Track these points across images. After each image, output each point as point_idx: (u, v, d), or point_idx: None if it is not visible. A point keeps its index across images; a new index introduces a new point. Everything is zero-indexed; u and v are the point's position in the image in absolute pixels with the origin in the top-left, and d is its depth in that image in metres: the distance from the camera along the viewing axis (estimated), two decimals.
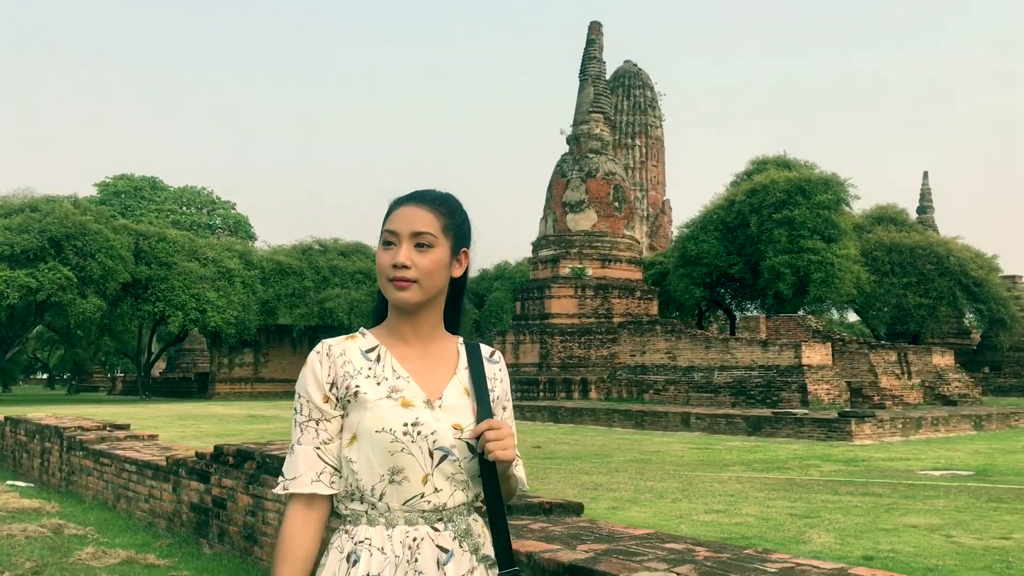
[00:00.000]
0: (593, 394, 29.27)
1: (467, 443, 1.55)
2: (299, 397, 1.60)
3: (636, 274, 39.05)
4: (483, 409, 1.59)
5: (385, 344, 1.62)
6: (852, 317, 54.59)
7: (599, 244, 38.03)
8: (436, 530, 1.54)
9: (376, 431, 1.51)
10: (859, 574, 3.48)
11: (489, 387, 1.65)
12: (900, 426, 16.82)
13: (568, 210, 38.48)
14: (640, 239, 68.34)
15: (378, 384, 1.56)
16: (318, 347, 1.61)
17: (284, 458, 5.69)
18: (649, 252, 59.77)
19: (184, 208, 58.59)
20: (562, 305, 36.76)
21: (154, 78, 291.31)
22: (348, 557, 1.52)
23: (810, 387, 19.57)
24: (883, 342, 26.83)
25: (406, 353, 1.62)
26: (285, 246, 46.42)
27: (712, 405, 20.89)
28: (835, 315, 55.34)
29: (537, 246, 39.78)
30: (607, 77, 72.94)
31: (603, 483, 10.20)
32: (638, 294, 38.02)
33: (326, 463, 1.56)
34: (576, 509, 4.92)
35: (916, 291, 39.22)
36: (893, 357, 22.92)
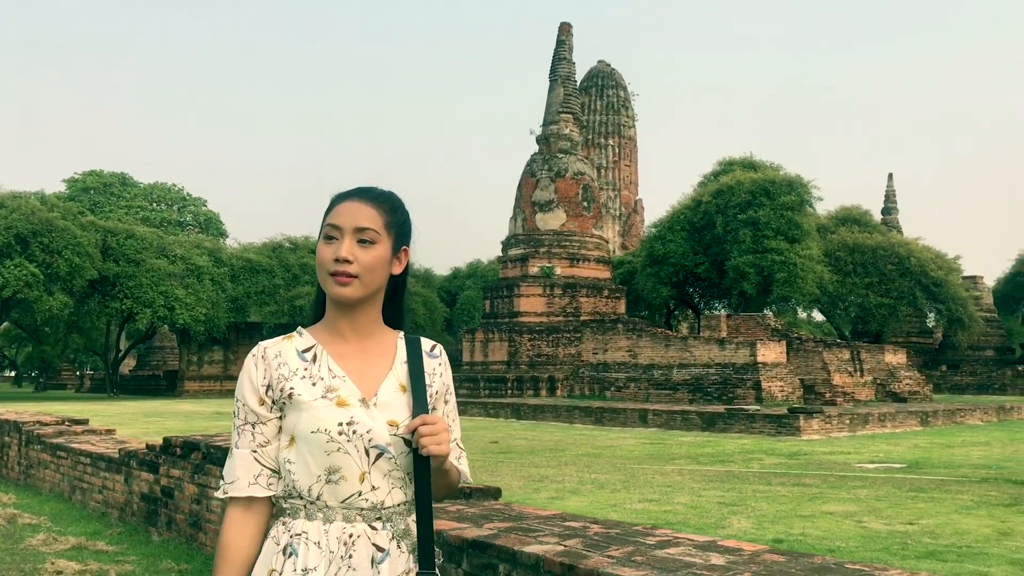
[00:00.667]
0: (560, 392, 29.71)
1: (403, 439, 1.55)
2: (236, 401, 1.61)
3: (604, 273, 39.55)
4: (419, 404, 1.58)
5: (322, 342, 1.62)
6: (820, 317, 55.51)
7: (568, 243, 38.50)
8: (374, 528, 1.54)
9: (312, 432, 1.52)
10: (727, 545, 3.88)
11: (427, 382, 1.64)
12: (847, 422, 17.38)
13: (537, 209, 38.90)
14: (612, 238, 69.12)
15: (313, 385, 1.56)
16: (254, 350, 1.61)
17: (229, 449, 6.02)
18: (621, 251, 60.40)
19: (154, 205, 58.34)
20: (531, 304, 37.19)
21: (127, 73, 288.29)
22: (284, 550, 1.52)
23: (764, 384, 20.13)
24: (838, 341, 27.51)
25: (343, 351, 1.62)
26: (256, 244, 46.44)
27: (670, 402, 21.39)
28: (803, 314, 56.32)
29: (507, 245, 40.16)
30: (580, 77, 73.45)
31: (550, 475, 10.58)
32: (606, 293, 38.53)
33: (263, 466, 1.57)
34: (494, 493, 5.29)
35: (877, 291, 40.04)
36: (846, 355, 23.56)
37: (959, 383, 42.46)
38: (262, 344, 1.62)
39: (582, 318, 34.66)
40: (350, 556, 1.51)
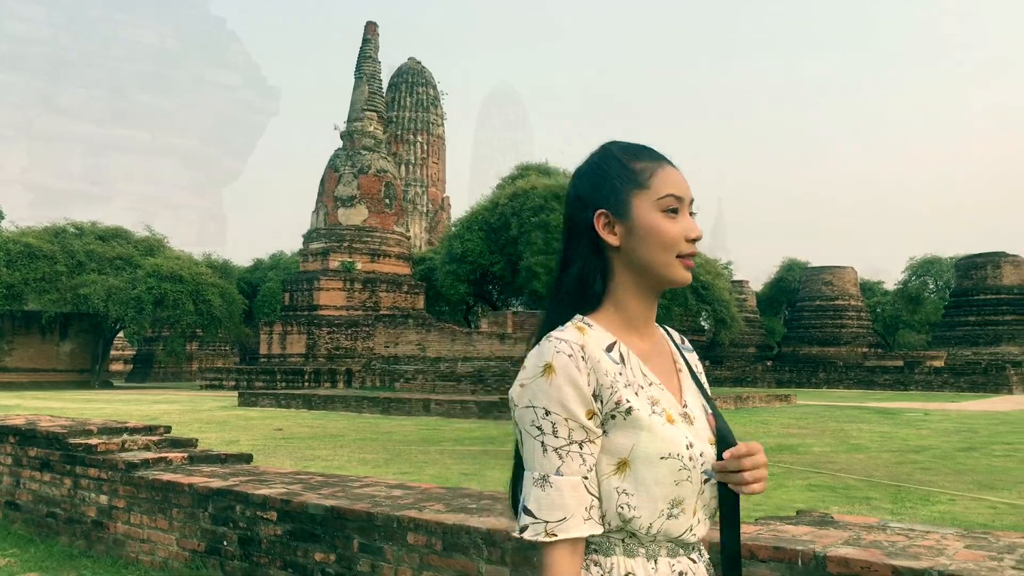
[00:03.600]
0: (355, 384, 30.64)
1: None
2: (548, 414, 1.21)
3: (405, 269, 40.80)
4: (721, 420, 1.32)
5: (619, 339, 1.29)
6: None
7: (369, 239, 39.39)
8: (693, 562, 1.31)
9: (661, 457, 1.23)
10: (410, 485, 5.24)
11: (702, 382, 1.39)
12: None
13: (340, 204, 39.49)
14: (419, 234, 70.39)
15: (636, 394, 1.26)
16: (562, 347, 1.22)
17: (14, 428, 6.76)
18: (427, 247, 61.86)
19: None
20: (331, 297, 37.79)
21: None
22: None
23: None
24: None
25: (643, 350, 1.32)
26: (36, 227, 43.69)
27: (455, 393, 22.99)
28: None
29: (308, 239, 40.44)
30: (391, 73, 73.38)
31: (323, 456, 11.69)
32: (406, 288, 39.81)
33: (592, 495, 1.23)
34: (247, 459, 6.39)
35: None
36: None
37: (720, 376, 47.36)
38: (567, 339, 1.24)
39: (382, 312, 35.69)
40: None
